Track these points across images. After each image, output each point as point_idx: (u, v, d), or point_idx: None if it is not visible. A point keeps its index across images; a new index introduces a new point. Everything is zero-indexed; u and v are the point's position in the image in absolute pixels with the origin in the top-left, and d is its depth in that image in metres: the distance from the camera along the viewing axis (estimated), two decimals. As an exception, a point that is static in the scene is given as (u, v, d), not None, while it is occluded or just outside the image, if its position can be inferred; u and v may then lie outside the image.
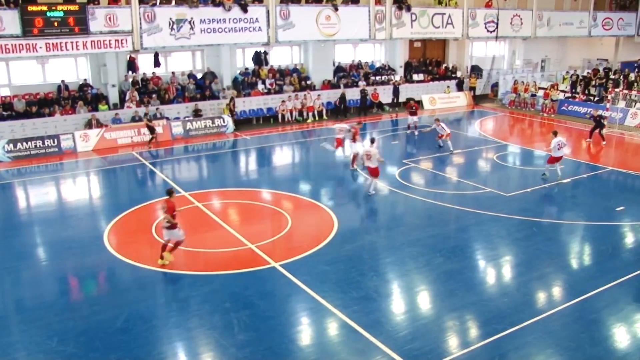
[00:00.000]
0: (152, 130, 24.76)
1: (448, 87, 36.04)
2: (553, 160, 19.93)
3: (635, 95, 30.73)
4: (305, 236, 14.95)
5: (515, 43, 40.93)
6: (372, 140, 19.15)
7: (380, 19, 29.88)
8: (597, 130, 25.65)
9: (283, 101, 29.95)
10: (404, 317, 11.21)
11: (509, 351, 10.09)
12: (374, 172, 18.10)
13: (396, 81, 34.41)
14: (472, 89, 37.15)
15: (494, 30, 34.65)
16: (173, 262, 13.35)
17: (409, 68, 36.41)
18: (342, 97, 31.22)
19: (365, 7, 29.58)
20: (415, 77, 35.98)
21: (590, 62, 42.96)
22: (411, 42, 36.22)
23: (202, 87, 29.15)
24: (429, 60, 37.75)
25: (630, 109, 30.30)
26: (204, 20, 25.27)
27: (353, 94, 32.39)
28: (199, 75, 29.82)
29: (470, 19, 33.40)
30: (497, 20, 34.44)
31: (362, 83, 33.11)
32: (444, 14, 32.53)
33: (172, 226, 13.04)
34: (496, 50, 40.56)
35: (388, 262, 13.54)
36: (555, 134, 20.12)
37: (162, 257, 13.23)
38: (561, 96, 34.35)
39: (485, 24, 34.21)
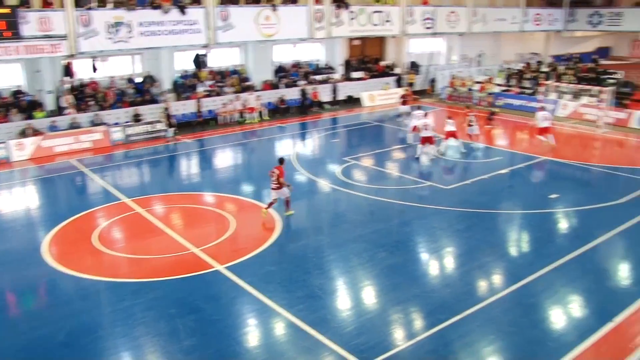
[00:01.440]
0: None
1: (387, 83, 36.53)
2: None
3: (565, 88, 31.92)
4: (249, 237, 14.89)
5: (452, 39, 41.84)
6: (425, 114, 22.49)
7: (320, 18, 30.00)
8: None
9: (224, 103, 29.72)
10: (349, 313, 11.33)
11: (453, 340, 10.33)
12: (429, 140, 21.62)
13: (336, 79, 34.65)
14: (411, 84, 37.79)
15: (431, 27, 35.33)
16: (116, 271, 13.10)
17: (348, 66, 36.72)
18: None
19: (304, 7, 29.65)
20: (354, 74, 36.33)
21: (523, 56, 44.35)
22: (350, 40, 36.55)
23: (141, 92, 28.62)
24: (368, 58, 38.17)
25: (561, 101, 31.45)
26: (142, 23, 24.78)
27: (293, 94, 32.44)
28: (139, 79, 29.26)
29: (408, 16, 33.93)
30: (434, 17, 35.13)
31: (302, 82, 33.20)
32: (382, 11, 32.93)
33: (280, 187, 15.73)
34: (434, 46, 41.42)
35: (332, 259, 13.64)
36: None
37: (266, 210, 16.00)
38: (497, 89, 35.37)
39: (422, 20, 34.83)
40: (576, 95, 31.39)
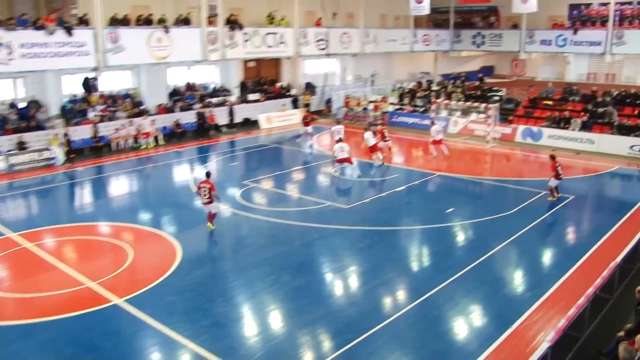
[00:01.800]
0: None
1: (283, 105, 36.78)
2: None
3: (455, 105, 33.54)
4: (148, 267, 14.37)
5: (346, 60, 42.86)
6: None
7: (213, 40, 29.79)
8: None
9: (117, 129, 28.70)
10: (256, 339, 11.16)
11: (362, 359, 10.42)
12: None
13: (232, 102, 34.46)
14: (307, 105, 38.27)
15: (324, 48, 36.05)
16: (1, 314, 12.17)
17: (244, 88, 36.65)
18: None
19: (197, 29, 29.32)
20: (250, 96, 36.29)
21: (414, 76, 46.26)
22: (245, 62, 36.53)
23: (26, 117, 27.04)
24: (263, 80, 38.29)
25: (452, 118, 33.00)
26: (24, 44, 23.49)
27: (189, 117, 31.91)
28: (22, 105, 27.63)
29: (302, 37, 34.45)
30: (327, 38, 35.89)
31: (197, 105, 32.73)
32: (276, 33, 33.24)
33: (211, 201, 16.60)
34: (328, 67, 42.22)
35: (236, 285, 13.42)
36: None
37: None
38: (391, 108, 36.55)
39: (316, 42, 35.48)
40: (465, 112, 33.08)
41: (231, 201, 19.56)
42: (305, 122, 29.90)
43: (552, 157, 19.92)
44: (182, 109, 32.25)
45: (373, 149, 24.72)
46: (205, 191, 16.56)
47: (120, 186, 22.73)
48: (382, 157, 25.04)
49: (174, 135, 31.01)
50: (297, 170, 24.23)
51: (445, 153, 25.57)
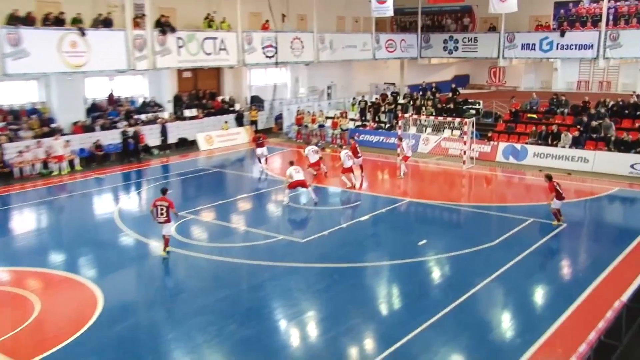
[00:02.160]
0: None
1: (226, 122, 36.58)
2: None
3: (425, 120, 33.93)
4: (59, 322, 13.77)
5: (298, 69, 43.07)
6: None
7: (141, 46, 29.43)
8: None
9: (20, 151, 27.87)
10: (194, 405, 10.75)
11: None
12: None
13: (164, 119, 34.09)
14: (254, 122, 38.16)
15: (273, 56, 36.10)
16: None
17: (179, 102, 36.33)
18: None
19: (121, 32, 28.86)
20: (187, 112, 35.98)
21: (377, 87, 46.80)
22: (180, 72, 36.26)
23: None
24: (202, 93, 38.06)
25: (422, 135, 33.33)
26: None
27: (112, 138, 31.31)
28: None
29: (246, 43, 34.43)
30: (276, 44, 35.98)
31: (123, 123, 32.18)
32: (216, 38, 33.11)
33: (169, 220, 17.46)
34: (277, 78, 42.32)
35: (171, 339, 12.98)
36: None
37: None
38: (351, 125, 36.72)
39: (263, 48, 35.48)
40: (437, 128, 33.49)
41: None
42: (258, 144, 29.49)
43: (549, 178, 20.21)
44: (104, 128, 31.65)
45: (347, 170, 25.17)
46: (162, 209, 17.28)
47: (25, 221, 21.98)
48: (354, 181, 25.53)
49: (93, 159, 30.34)
50: (243, 199, 23.98)
51: (401, 173, 26.77)
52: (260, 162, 29.43)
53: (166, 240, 17.62)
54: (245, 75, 40.36)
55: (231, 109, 38.33)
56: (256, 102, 40.15)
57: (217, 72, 39.13)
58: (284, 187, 23.13)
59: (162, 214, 17.30)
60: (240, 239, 19.33)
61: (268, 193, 24.97)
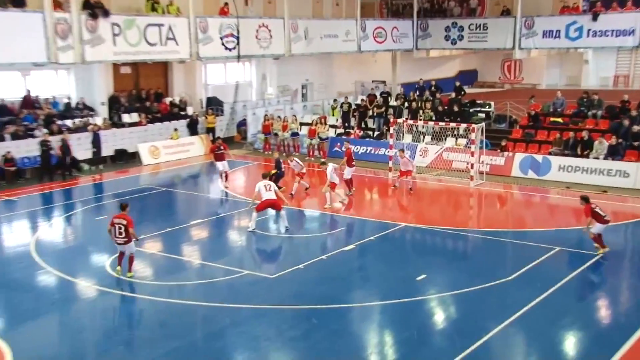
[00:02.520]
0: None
1: (175, 130, 36.48)
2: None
3: (423, 127, 34.00)
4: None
5: (265, 64, 43.13)
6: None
7: (64, 33, 29.15)
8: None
9: None
10: None
11: None
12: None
13: (96, 125, 33.86)
14: (211, 130, 38.03)
15: (234, 48, 36.10)
16: None
17: (115, 105, 36.12)
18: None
19: (38, 14, 28.46)
20: (126, 118, 35.79)
21: (364, 86, 46.93)
22: (116, 67, 36.09)
23: None
24: (145, 93, 37.89)
25: (419, 145, 33.40)
26: None
27: (28, 149, 30.97)
28: None
29: (201, 31, 34.42)
30: (238, 33, 36.00)
31: (42, 131, 31.89)
32: (162, 25, 33.04)
33: (129, 240, 18.23)
34: (240, 75, 42.30)
35: (104, 402, 12.76)
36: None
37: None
38: (332, 133, 36.72)
39: (221, 38, 35.53)
40: (438, 136, 33.56)
41: (97, 274, 18.92)
42: (216, 155, 29.17)
43: (585, 200, 19.98)
44: (16, 137, 31.32)
45: (334, 186, 25.52)
46: (120, 228, 18.08)
47: None
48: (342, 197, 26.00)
49: (2, 176, 29.98)
50: (198, 225, 23.83)
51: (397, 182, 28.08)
52: (223, 179, 29.32)
53: (131, 259, 18.52)
54: (199, 71, 40.32)
55: (182, 113, 38.23)
56: (214, 105, 40.10)
57: (164, 67, 39.04)
58: (250, 208, 23.01)
59: (120, 233, 18.06)
60: (194, 275, 19.18)
61: (229, 217, 24.87)
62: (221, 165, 29.19)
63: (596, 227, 19.81)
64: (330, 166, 25.70)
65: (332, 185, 25.46)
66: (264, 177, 23.49)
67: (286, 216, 22.86)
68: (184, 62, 36.48)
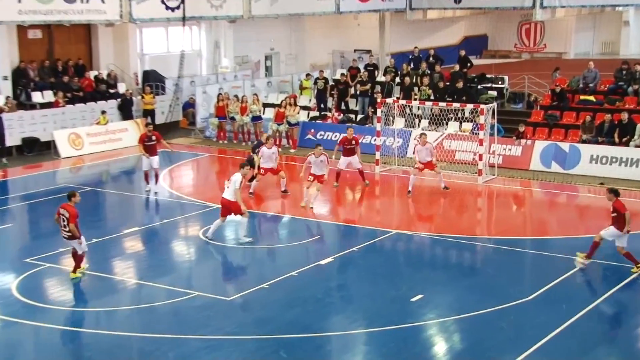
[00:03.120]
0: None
1: (103, 113, 36.37)
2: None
3: (419, 108, 34.14)
4: None
5: (219, 29, 43.07)
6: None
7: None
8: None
9: None
10: None
11: None
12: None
13: (-3, 107, 33.73)
14: (149, 113, 37.92)
15: (178, 7, 36.09)
16: None
17: (22, 80, 35.93)
18: None
19: None
20: (37, 97, 35.57)
21: (344, 57, 47.00)
22: (22, 30, 35.92)
23: None
24: (62, 65, 37.71)
25: (414, 131, 33.48)
26: None
27: None
28: None
29: (133, -14, 34.42)
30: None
31: None
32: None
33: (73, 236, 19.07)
34: (186, 43, 42.18)
35: None
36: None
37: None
38: (303, 117, 36.76)
39: (161, -5, 35.59)
40: (438, 120, 33.72)
41: (3, 298, 18.93)
42: (146, 147, 28.77)
43: (615, 193, 19.86)
44: None
45: (321, 179, 25.91)
46: (64, 221, 19.06)
47: None
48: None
49: None
50: (134, 235, 23.92)
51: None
52: (148, 181, 28.58)
53: (80, 258, 19.57)
54: (133, 38, 40.18)
55: (112, 91, 38.12)
56: (152, 80, 40.04)
57: (86, 32, 38.92)
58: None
59: (64, 226, 19.15)
60: (128, 298, 19.24)
61: (174, 225, 24.96)
62: (149, 162, 28.22)
63: (621, 240, 19.68)
64: (317, 158, 26.09)
65: (320, 178, 25.86)
66: (242, 167, 23.46)
67: (246, 225, 22.88)
68: (113, 24, 36.38)
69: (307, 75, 41.41)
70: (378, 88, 37.57)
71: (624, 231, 19.66)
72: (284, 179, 27.49)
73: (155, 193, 28.36)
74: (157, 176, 28.77)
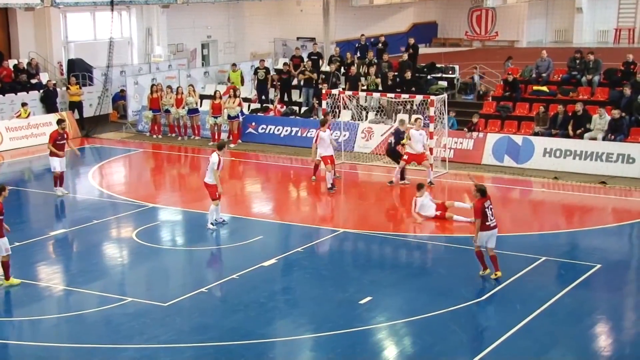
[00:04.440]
0: None
1: (24, 105, 36.04)
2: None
3: (366, 100, 34.27)
4: None
5: (151, 14, 42.88)
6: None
7: None
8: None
9: None
10: None
11: None
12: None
13: None
14: (75, 106, 37.73)
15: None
16: None
17: None
18: None
19: None
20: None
21: (287, 46, 47.02)
22: None
23: None
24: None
25: (360, 124, 33.74)
26: None
27: None
28: None
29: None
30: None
31: None
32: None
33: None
34: (116, 29, 41.91)
35: None
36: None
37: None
38: (245, 110, 36.74)
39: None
40: (386, 112, 33.88)
41: None
42: (58, 146, 27.75)
43: (481, 192, 20.22)
44: None
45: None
46: None
47: None
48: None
49: None
50: (61, 237, 23.87)
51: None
52: (62, 184, 28.01)
53: (3, 265, 19.36)
54: (56, 23, 39.83)
55: (33, 82, 37.80)
56: (79, 70, 39.74)
57: (3, 17, 38.53)
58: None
59: None
60: (55, 306, 19.15)
61: (106, 225, 24.83)
62: (60, 162, 27.53)
63: (478, 236, 19.88)
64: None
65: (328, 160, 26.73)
66: (219, 147, 23.77)
67: (215, 212, 23.45)
68: (33, 9, 36.07)
69: (233, 65, 41.23)
70: (322, 78, 37.62)
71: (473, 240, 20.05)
72: (330, 173, 27.80)
73: (63, 194, 27.85)
74: (62, 179, 28.01)
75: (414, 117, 29.90)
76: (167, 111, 36.61)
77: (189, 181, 27.32)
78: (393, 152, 28.90)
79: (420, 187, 24.54)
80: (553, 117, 31.55)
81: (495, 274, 19.65)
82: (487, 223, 19.75)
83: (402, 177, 28.34)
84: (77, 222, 25.11)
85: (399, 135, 28.54)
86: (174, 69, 41.76)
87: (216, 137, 34.90)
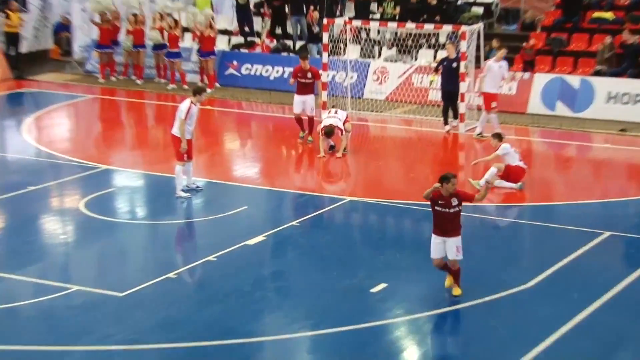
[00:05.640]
0: None
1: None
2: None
3: (379, 32, 34.23)
4: None
5: None
6: None
7: None
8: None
9: None
10: None
11: None
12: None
13: None
14: (13, 38, 37.61)
15: None
16: None
17: None
18: None
19: None
20: None
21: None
22: None
23: None
24: None
25: (372, 63, 33.80)
26: None
27: None
28: None
29: None
30: None
31: None
32: None
33: None
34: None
35: None
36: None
37: None
38: (224, 45, 36.72)
39: None
40: (405, 48, 33.83)
41: None
42: None
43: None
44: None
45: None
46: None
47: None
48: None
49: None
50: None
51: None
52: None
53: None
54: None
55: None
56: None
57: None
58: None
59: None
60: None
61: (45, 192, 24.87)
62: None
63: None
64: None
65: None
66: (195, 92, 23.83)
67: (186, 173, 23.50)
68: None
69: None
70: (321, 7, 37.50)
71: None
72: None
73: None
74: None
75: (494, 42, 29.74)
76: (127, 47, 36.26)
77: (154, 136, 27.09)
78: (450, 96, 28.94)
79: (499, 136, 24.56)
80: (620, 53, 31.40)
81: None
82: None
83: (446, 122, 28.48)
84: (6, 189, 24.98)
85: (451, 68, 28.46)
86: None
87: (182, 79, 34.77)
